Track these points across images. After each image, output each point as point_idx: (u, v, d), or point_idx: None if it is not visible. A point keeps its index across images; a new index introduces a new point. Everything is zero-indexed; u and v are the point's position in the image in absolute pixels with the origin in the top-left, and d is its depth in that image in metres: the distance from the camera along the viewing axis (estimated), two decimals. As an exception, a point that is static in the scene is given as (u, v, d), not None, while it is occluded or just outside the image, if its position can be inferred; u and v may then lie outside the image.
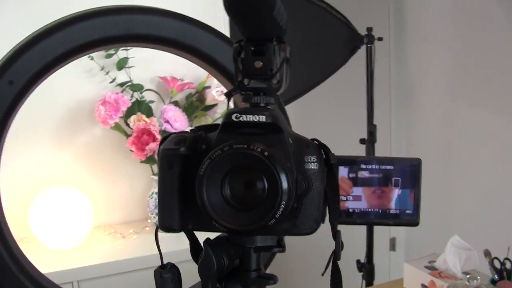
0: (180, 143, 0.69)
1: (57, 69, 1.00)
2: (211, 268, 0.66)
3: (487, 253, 1.74)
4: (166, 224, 0.71)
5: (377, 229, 2.73)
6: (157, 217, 2.27)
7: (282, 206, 0.61)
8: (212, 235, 0.71)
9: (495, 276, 1.70)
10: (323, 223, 0.69)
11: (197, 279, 1.03)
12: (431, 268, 1.82)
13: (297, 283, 3.33)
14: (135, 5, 1.01)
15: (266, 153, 0.61)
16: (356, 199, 0.72)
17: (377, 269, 2.65)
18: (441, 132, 3.02)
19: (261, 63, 0.66)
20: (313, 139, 0.70)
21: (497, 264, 1.71)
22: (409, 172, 0.71)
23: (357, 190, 0.73)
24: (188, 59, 1.09)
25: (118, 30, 0.98)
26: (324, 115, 3.47)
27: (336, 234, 0.68)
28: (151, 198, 2.41)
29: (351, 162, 0.72)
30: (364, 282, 2.61)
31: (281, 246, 0.71)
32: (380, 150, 2.70)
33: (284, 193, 0.61)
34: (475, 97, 2.77)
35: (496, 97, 2.64)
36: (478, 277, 1.52)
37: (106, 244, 2.36)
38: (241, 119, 0.64)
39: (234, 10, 0.60)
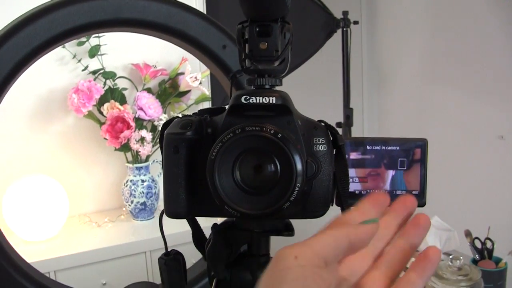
0: (186, 127, 0.67)
1: (42, 56, 0.97)
2: (220, 253, 0.65)
3: (467, 234, 1.75)
4: (172, 210, 0.68)
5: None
6: (132, 205, 2.29)
7: (297, 188, 0.59)
8: (215, 221, 0.70)
9: (476, 256, 1.71)
10: (332, 205, 0.68)
11: (190, 262, 1.02)
12: (412, 249, 1.83)
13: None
14: (122, -11, 0.98)
15: (279, 135, 0.59)
16: (362, 180, 0.71)
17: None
18: (413, 114, 3.04)
19: (266, 45, 0.65)
20: (320, 121, 0.69)
21: (478, 244, 1.72)
22: (415, 153, 0.70)
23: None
24: (175, 44, 1.07)
25: (105, 15, 0.96)
26: (298, 99, 3.46)
27: None
28: (126, 186, 2.40)
29: (359, 144, 0.71)
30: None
31: (290, 230, 0.70)
32: (354, 133, 2.71)
33: (298, 175, 0.59)
34: (446, 80, 2.79)
35: (467, 80, 2.66)
36: (461, 257, 1.52)
37: (81, 233, 2.34)
38: (250, 101, 0.63)
39: None
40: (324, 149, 0.66)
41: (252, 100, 0.63)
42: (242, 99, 0.63)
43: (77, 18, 0.94)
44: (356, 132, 2.87)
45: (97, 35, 2.37)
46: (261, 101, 0.63)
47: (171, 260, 0.71)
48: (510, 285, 1.75)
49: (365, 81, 3.38)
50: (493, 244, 1.70)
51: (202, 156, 0.63)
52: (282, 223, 0.69)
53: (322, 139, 0.66)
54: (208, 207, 0.66)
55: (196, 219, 0.74)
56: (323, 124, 0.68)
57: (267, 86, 0.66)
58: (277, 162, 0.60)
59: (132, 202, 2.39)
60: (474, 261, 1.70)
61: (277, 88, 0.67)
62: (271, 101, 0.63)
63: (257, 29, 0.65)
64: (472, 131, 2.64)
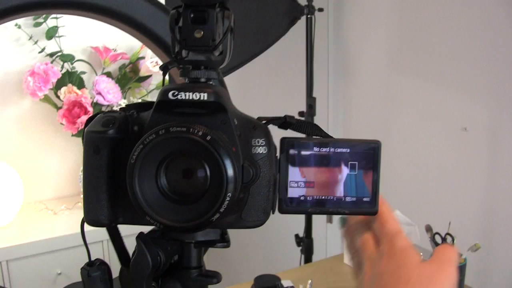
0: (108, 124, 0.59)
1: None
2: (145, 267, 0.58)
3: (428, 229, 1.73)
4: (93, 217, 0.60)
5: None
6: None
7: (228, 197, 0.52)
8: (145, 229, 0.62)
9: (437, 251, 1.69)
10: (273, 213, 0.62)
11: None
12: (373, 243, 1.79)
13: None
14: (60, -32, 0.91)
15: (208, 137, 0.52)
16: (309, 185, 0.64)
17: (314, 243, 2.61)
18: (379, 104, 3.00)
19: (202, 33, 0.58)
20: (260, 118, 0.62)
21: (438, 239, 1.71)
22: (366, 156, 0.64)
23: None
24: (120, 28, 0.99)
25: (41, -5, 0.88)
26: (261, 88, 3.41)
27: None
28: (84, 173, 2.33)
29: (306, 145, 0.64)
30: (303, 256, 2.57)
31: (225, 241, 0.63)
32: (318, 123, 2.66)
33: (229, 182, 0.52)
34: (412, 70, 2.76)
35: (433, 70, 2.63)
36: (421, 253, 1.48)
37: (36, 221, 2.29)
38: (179, 97, 0.55)
39: None
40: (264, 152, 0.59)
41: (181, 96, 0.55)
42: (170, 95, 0.55)
43: (11, -2, 0.86)
44: (320, 121, 2.81)
45: (55, 16, 2.29)
46: (190, 98, 0.55)
47: (94, 271, 0.64)
48: (468, 281, 1.75)
49: (331, 69, 3.32)
50: (453, 240, 1.69)
51: (127, 158, 0.55)
52: (217, 233, 0.63)
53: (262, 140, 0.59)
54: (133, 215, 0.59)
55: (117, 228, 0.67)
56: (264, 122, 0.61)
57: (202, 79, 0.59)
58: (206, 168, 0.53)
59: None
60: (435, 257, 1.67)
61: (213, 82, 0.60)
62: (202, 98, 0.55)
63: (192, 15, 0.58)
64: (436, 122, 2.61)
